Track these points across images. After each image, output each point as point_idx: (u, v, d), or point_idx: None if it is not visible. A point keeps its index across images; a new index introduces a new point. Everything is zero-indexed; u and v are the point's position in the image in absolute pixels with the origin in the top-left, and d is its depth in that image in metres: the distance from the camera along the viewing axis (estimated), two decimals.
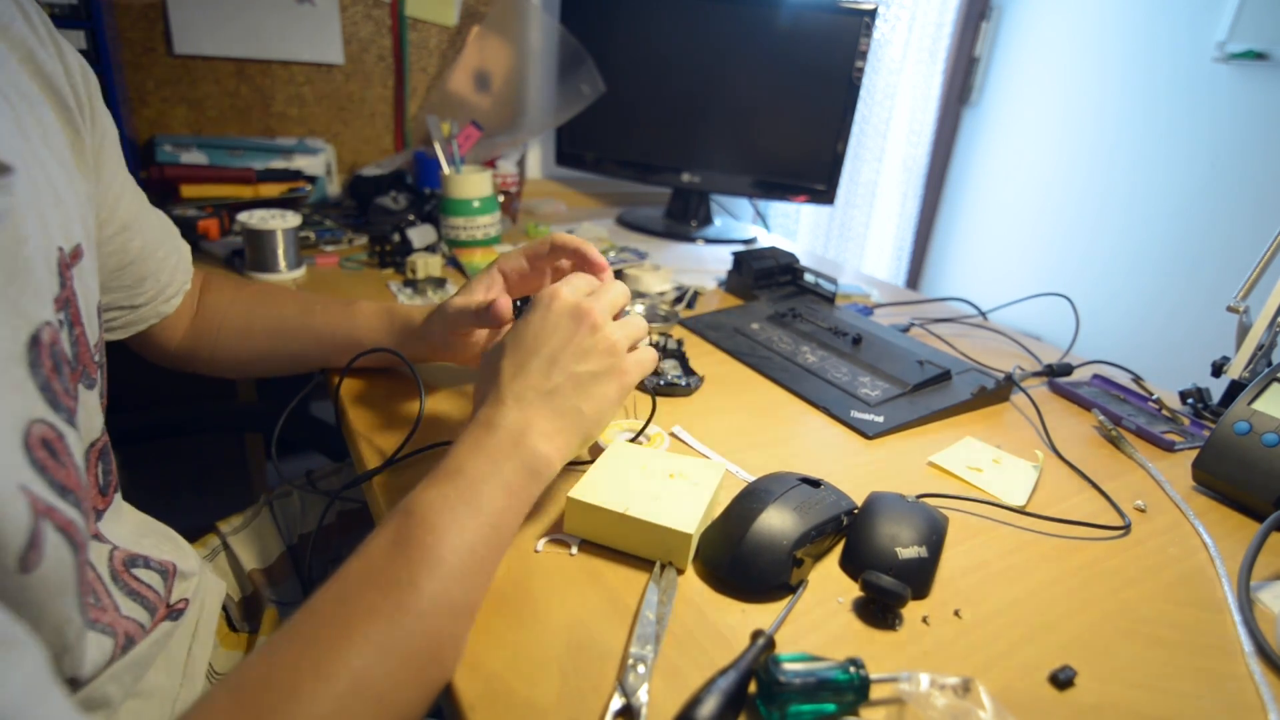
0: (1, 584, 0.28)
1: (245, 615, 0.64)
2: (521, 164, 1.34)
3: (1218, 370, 0.75)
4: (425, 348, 0.63)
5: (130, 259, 0.53)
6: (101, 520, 0.44)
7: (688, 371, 0.74)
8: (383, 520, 0.40)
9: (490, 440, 0.44)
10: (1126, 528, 0.57)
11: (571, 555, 0.47)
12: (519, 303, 0.57)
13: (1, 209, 0.33)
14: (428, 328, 0.62)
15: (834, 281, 0.98)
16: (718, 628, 0.43)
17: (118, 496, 0.46)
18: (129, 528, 0.47)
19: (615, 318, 0.50)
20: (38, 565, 0.29)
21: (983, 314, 1.05)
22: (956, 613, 0.46)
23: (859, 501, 0.52)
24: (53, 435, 0.33)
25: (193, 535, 0.65)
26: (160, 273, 0.57)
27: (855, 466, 0.62)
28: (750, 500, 0.49)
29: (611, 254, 1.08)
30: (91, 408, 0.41)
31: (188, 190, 1.13)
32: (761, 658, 0.38)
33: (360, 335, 0.65)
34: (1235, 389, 0.74)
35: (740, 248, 1.18)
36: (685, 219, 1.43)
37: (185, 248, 0.62)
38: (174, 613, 0.48)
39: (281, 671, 0.32)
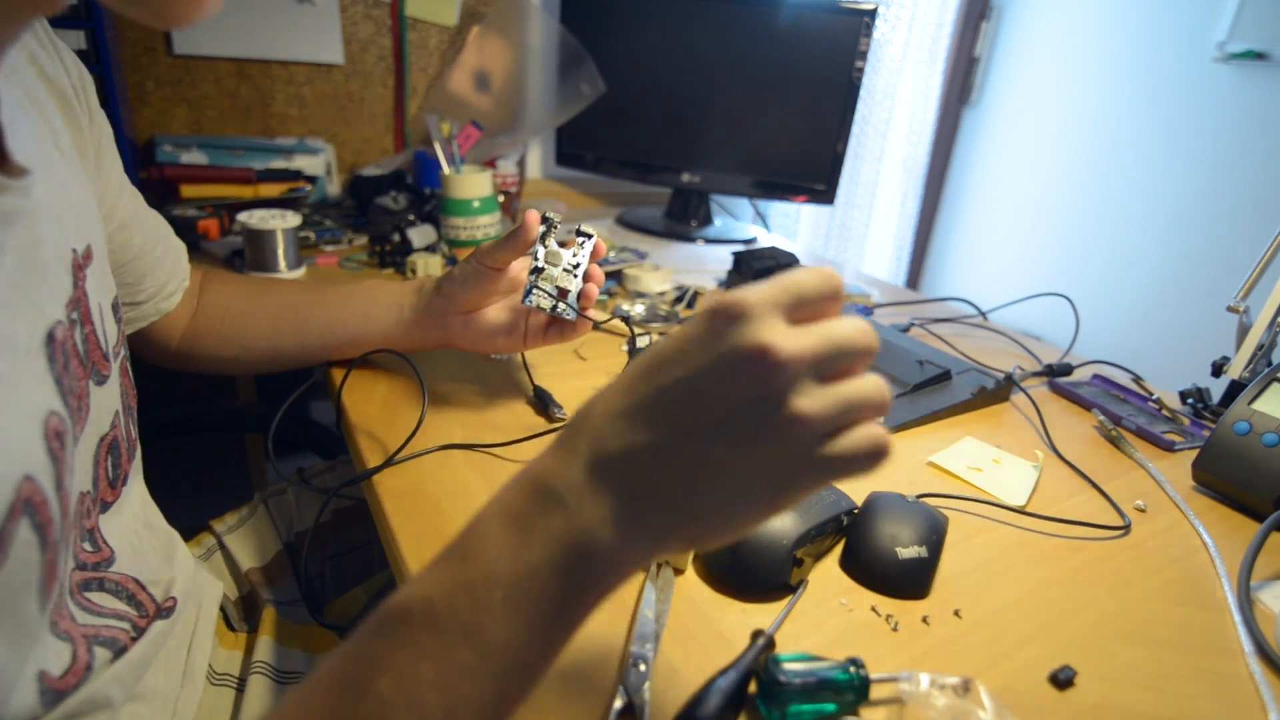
0: None
1: (243, 615, 0.64)
2: (521, 164, 1.34)
3: (1218, 370, 0.75)
4: (444, 304, 0.62)
5: (130, 256, 0.54)
6: (106, 513, 0.44)
7: None
8: (356, 630, 0.28)
9: (534, 517, 0.28)
10: (1126, 528, 0.56)
11: None
12: (548, 215, 0.56)
13: (20, 209, 0.34)
14: (449, 283, 0.61)
15: None
16: (718, 627, 0.43)
17: (125, 489, 0.46)
18: (128, 522, 0.47)
19: (836, 375, 0.28)
20: (2, 565, 0.29)
21: (983, 314, 1.05)
22: (956, 613, 0.46)
23: (859, 501, 0.52)
24: (64, 428, 0.35)
25: (188, 535, 0.65)
26: (159, 270, 0.58)
27: None
28: None
29: (611, 254, 1.08)
30: (101, 403, 0.42)
31: (188, 190, 1.13)
32: (761, 658, 0.38)
33: (370, 307, 0.65)
34: (1235, 389, 0.74)
35: (740, 248, 1.18)
36: (685, 219, 1.43)
37: (181, 246, 0.62)
38: (164, 611, 0.48)
39: None
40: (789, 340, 0.26)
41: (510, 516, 0.28)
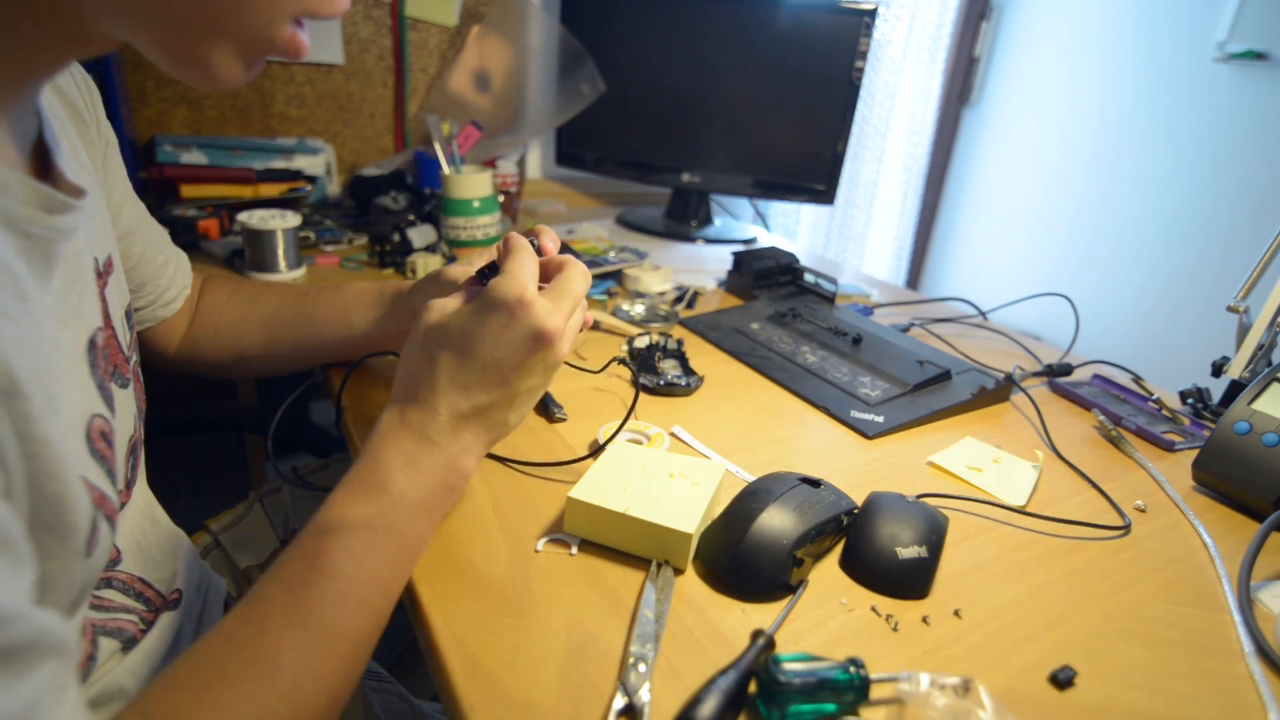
0: (73, 568, 0.30)
1: None
2: (521, 164, 1.34)
3: (1218, 370, 0.75)
4: (408, 315, 0.61)
5: (131, 264, 0.55)
6: (121, 512, 0.44)
7: (688, 371, 0.74)
8: (300, 537, 0.39)
9: (422, 458, 0.42)
10: (1126, 528, 0.56)
11: (571, 555, 0.47)
12: (486, 268, 0.49)
13: (77, 226, 0.36)
14: (414, 296, 0.61)
15: (834, 281, 0.98)
16: (718, 628, 0.43)
17: (135, 490, 0.47)
18: (135, 519, 0.48)
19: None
20: (95, 549, 0.32)
21: (983, 314, 1.05)
22: (956, 613, 0.46)
23: (859, 501, 0.52)
24: (109, 429, 0.38)
25: (187, 533, 0.65)
26: (159, 278, 0.58)
27: (855, 466, 0.62)
28: (750, 500, 0.49)
29: (611, 254, 1.08)
30: (124, 406, 0.43)
31: (188, 190, 1.13)
32: (761, 658, 0.38)
33: (353, 317, 0.65)
34: (1235, 389, 0.74)
35: (740, 248, 1.18)
36: (685, 219, 1.43)
37: (183, 255, 0.63)
38: (170, 603, 0.49)
39: (196, 708, 0.31)
40: (554, 318, 0.43)
41: (405, 458, 0.42)
